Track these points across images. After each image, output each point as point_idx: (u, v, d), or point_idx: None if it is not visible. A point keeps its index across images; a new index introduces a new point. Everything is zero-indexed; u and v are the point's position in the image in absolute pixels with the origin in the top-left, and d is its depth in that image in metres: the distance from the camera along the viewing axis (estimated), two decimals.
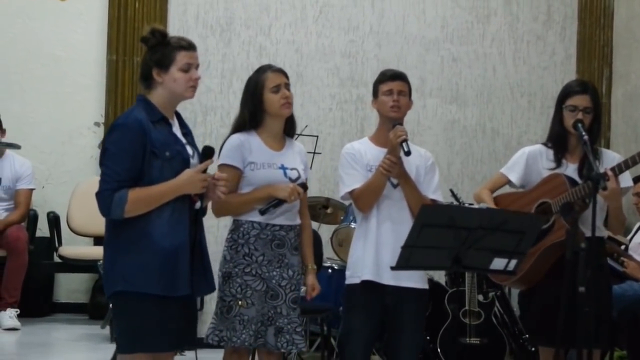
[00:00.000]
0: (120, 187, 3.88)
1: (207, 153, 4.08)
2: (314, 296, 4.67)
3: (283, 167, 4.59)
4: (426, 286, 4.70)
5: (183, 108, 4.25)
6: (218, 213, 4.62)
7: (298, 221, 4.65)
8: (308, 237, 4.72)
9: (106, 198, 3.89)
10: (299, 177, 4.61)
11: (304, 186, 4.59)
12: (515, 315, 6.81)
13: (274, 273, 4.53)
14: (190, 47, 4.09)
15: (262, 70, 4.64)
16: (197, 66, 4.10)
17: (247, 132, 4.60)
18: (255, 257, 4.51)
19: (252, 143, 4.58)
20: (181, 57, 4.04)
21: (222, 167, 4.55)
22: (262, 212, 4.49)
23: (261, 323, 4.49)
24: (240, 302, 4.47)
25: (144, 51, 4.15)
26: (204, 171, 4.02)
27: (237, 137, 4.59)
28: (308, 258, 4.68)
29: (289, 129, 4.71)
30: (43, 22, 8.62)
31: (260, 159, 4.56)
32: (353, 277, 4.67)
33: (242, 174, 4.56)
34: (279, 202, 4.49)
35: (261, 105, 4.57)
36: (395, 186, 4.63)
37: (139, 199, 3.89)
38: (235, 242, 4.55)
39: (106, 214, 3.92)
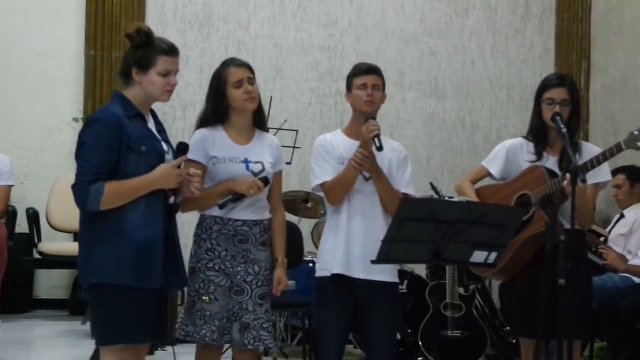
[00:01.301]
0: (97, 180, 3.90)
1: (182, 149, 4.12)
2: (280, 290, 4.55)
3: (247, 161, 4.51)
4: (397, 280, 4.64)
5: (162, 103, 4.25)
6: (183, 209, 4.51)
7: (266, 216, 4.56)
8: (280, 230, 4.62)
9: (83, 190, 3.91)
10: (262, 171, 4.52)
11: (265, 180, 4.48)
12: (496, 307, 6.84)
13: (239, 269, 4.47)
14: (172, 52, 4.10)
15: (225, 65, 4.56)
16: (176, 72, 4.11)
17: (213, 127, 4.55)
18: (218, 253, 4.46)
19: (216, 138, 4.52)
20: (162, 63, 4.05)
21: (187, 163, 4.51)
22: (221, 207, 4.43)
23: (227, 319, 4.44)
24: (203, 298, 4.42)
25: (126, 47, 4.15)
26: (179, 167, 4.04)
27: (201, 132, 4.55)
28: (278, 251, 4.58)
29: (259, 121, 4.64)
30: (21, 17, 8.58)
31: (223, 154, 4.50)
32: (323, 269, 4.59)
33: (207, 169, 4.51)
34: (239, 197, 4.42)
35: (225, 101, 4.51)
36: (367, 179, 4.56)
37: (115, 192, 3.91)
38: (199, 237, 4.51)
39: (82, 206, 3.94)
